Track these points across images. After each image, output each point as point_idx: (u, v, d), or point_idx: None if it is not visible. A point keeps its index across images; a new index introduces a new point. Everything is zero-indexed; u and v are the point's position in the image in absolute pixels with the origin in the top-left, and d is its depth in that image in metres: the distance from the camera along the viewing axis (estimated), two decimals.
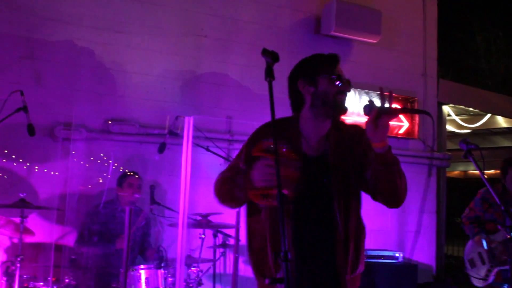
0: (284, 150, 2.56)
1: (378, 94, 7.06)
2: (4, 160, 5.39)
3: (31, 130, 4.51)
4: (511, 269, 3.87)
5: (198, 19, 6.31)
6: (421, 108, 7.36)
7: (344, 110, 2.87)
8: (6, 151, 5.38)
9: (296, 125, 2.91)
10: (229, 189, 2.82)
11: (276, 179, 2.39)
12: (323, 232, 2.81)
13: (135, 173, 5.39)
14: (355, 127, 2.99)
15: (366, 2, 6.97)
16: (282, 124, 2.88)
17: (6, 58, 5.47)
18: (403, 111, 2.81)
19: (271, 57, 2.55)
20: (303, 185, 2.69)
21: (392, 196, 2.77)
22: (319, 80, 2.86)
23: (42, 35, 5.60)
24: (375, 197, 2.83)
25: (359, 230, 2.90)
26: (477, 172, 3.52)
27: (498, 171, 13.05)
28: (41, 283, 4.75)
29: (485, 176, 3.45)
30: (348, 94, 2.89)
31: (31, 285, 4.74)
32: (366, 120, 2.63)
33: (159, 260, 4.95)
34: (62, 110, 5.53)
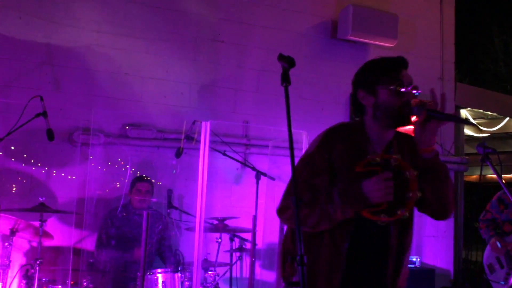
0: (396, 161, 2.53)
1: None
2: (24, 165, 5.43)
3: (50, 135, 4.54)
4: None
5: (215, 25, 6.33)
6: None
7: (408, 124, 2.60)
8: (25, 155, 5.43)
9: (364, 130, 2.68)
10: (317, 221, 2.56)
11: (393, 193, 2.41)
12: (378, 245, 2.64)
13: (144, 178, 5.41)
14: (409, 136, 2.76)
15: (382, 6, 6.95)
16: (349, 129, 2.75)
17: (26, 64, 5.52)
18: (453, 119, 2.65)
19: (287, 62, 2.52)
20: None
21: (439, 206, 2.65)
22: (378, 91, 2.62)
23: (61, 42, 5.65)
24: (421, 208, 2.71)
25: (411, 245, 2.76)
26: (495, 176, 3.48)
27: None
28: (60, 286, 4.77)
29: (503, 181, 3.41)
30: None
31: None
32: (414, 121, 2.51)
33: (176, 263, 4.97)
34: (81, 115, 5.53)
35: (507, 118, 9.73)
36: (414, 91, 2.59)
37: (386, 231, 2.63)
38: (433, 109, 2.49)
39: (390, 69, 2.64)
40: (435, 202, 2.61)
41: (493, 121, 9.95)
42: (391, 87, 2.57)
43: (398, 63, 2.68)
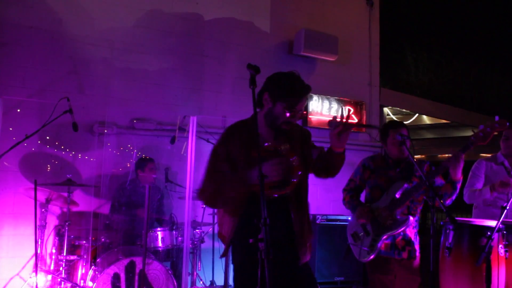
0: (285, 149, 2.57)
1: (336, 99, 7.08)
2: (56, 150, 5.32)
3: (75, 127, 4.46)
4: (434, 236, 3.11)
5: (201, 43, 6.23)
6: (367, 110, 7.35)
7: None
8: (57, 143, 5.31)
9: (255, 126, 2.47)
10: (225, 196, 2.59)
11: (284, 173, 2.42)
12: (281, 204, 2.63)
13: (152, 160, 5.32)
14: (302, 129, 2.82)
15: (326, 30, 6.91)
16: (244, 126, 2.70)
17: (57, 73, 5.38)
18: (359, 125, 2.79)
19: (254, 69, 2.49)
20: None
21: (334, 173, 2.71)
22: (277, 103, 2.60)
23: (84, 56, 5.51)
24: (318, 174, 2.76)
25: (307, 202, 2.76)
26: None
27: (422, 156, 13.10)
28: (84, 241, 4.72)
29: (414, 159, 3.48)
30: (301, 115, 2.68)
31: (77, 243, 4.73)
32: (331, 132, 2.54)
33: (171, 224, 4.92)
34: (99, 112, 5.45)
35: (416, 114, 9.88)
36: (298, 115, 2.61)
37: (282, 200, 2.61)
38: (345, 124, 2.54)
39: (293, 93, 2.60)
40: (332, 172, 2.71)
41: (406, 116, 10.09)
42: (285, 106, 2.57)
43: (301, 90, 2.62)
